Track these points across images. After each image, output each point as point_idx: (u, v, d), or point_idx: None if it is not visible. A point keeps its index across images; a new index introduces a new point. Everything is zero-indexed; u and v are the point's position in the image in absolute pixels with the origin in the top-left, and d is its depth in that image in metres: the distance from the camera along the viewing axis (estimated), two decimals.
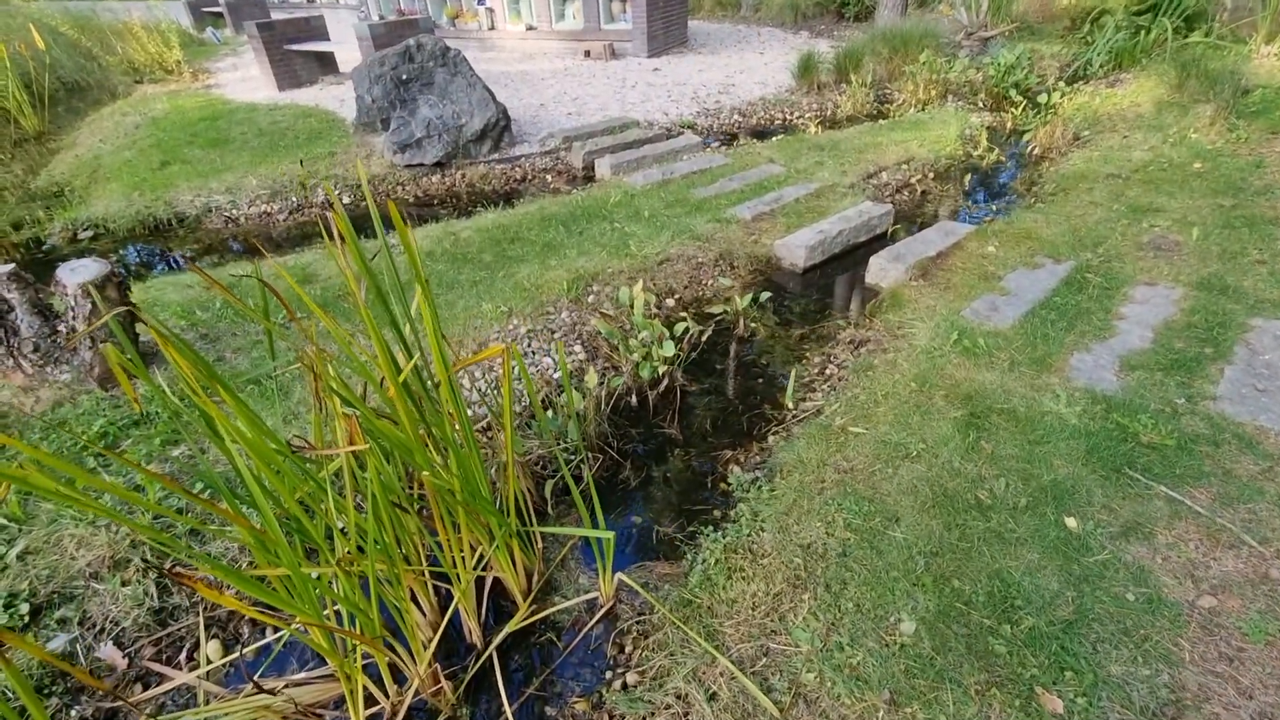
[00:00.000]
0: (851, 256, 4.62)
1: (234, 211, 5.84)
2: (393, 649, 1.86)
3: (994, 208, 5.19)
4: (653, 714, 1.81)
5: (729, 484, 2.66)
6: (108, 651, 2.03)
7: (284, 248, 5.18)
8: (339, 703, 1.95)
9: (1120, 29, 8.89)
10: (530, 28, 11.50)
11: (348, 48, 9.13)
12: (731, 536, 2.32)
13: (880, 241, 4.77)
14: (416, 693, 1.92)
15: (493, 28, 11.77)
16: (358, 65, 6.56)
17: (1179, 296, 3.46)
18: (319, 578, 1.77)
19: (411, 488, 2.18)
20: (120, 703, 1.93)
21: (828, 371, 3.32)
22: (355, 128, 6.81)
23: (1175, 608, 1.90)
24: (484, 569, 2.27)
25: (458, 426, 1.92)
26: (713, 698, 1.81)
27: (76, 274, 2.76)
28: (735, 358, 3.57)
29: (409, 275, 3.94)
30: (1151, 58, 8.50)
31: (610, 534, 2.03)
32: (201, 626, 2.12)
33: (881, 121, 7.34)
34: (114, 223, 5.64)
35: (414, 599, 2.07)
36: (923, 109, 7.83)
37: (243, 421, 1.51)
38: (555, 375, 3.30)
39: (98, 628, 2.08)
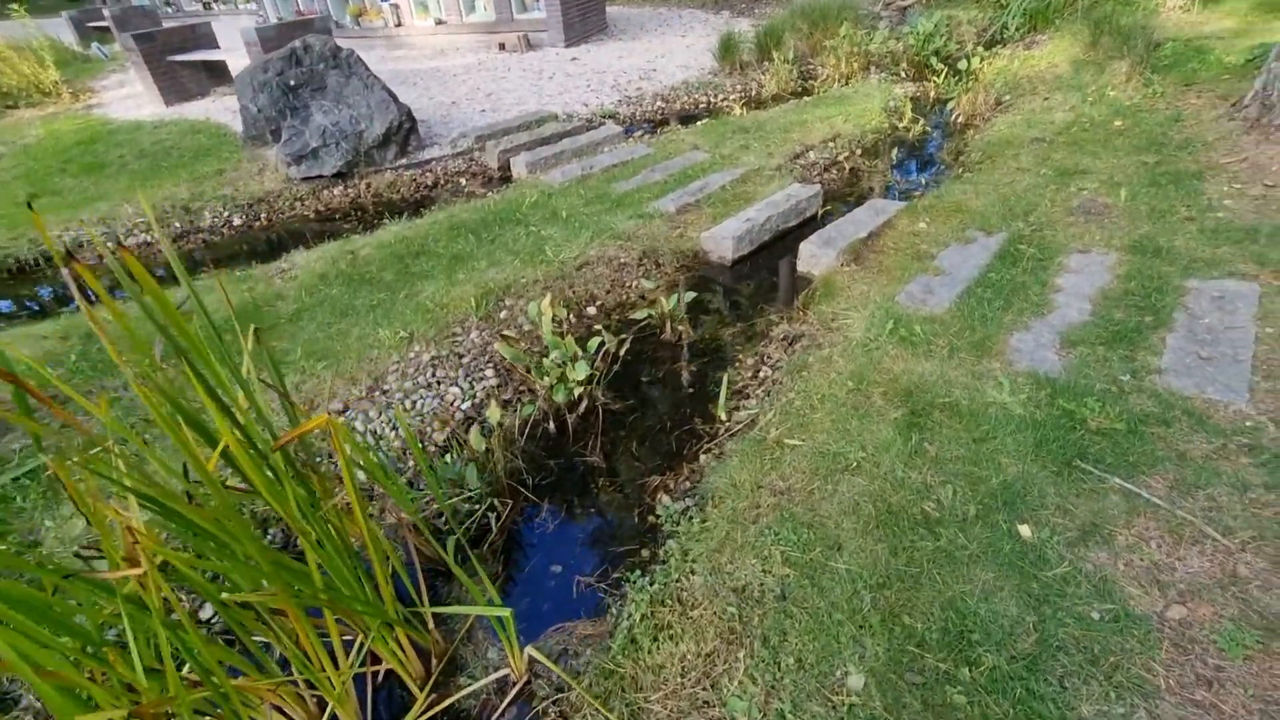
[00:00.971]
0: (782, 243, 4.39)
1: (109, 245, 5.24)
2: None
3: (923, 180, 5.04)
4: None
5: (658, 515, 2.38)
6: None
7: (165, 281, 4.64)
8: None
9: None
10: (440, 22, 10.92)
11: (240, 54, 8.43)
12: (659, 584, 2.04)
13: (811, 225, 4.56)
14: None
15: (400, 24, 11.13)
16: (240, 73, 5.98)
17: (1113, 262, 3.33)
18: None
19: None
20: None
21: (761, 374, 3.07)
22: (245, 141, 6.23)
23: (1144, 624, 1.71)
24: (372, 662, 1.93)
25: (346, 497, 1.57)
26: None
27: None
28: (663, 366, 3.28)
29: (297, 304, 3.54)
30: (1064, 17, 8.55)
31: (507, 611, 1.72)
32: None
33: (806, 99, 7.15)
34: None
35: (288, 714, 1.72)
36: (846, 83, 7.68)
37: None
38: (464, 406, 2.96)
39: None
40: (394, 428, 2.78)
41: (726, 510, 2.24)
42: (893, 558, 1.96)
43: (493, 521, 2.29)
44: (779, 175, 5.11)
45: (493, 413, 2.44)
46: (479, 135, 6.49)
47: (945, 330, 2.95)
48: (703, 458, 2.64)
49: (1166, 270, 3.19)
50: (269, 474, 1.50)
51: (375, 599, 1.73)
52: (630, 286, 3.91)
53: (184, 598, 2.16)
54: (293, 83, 5.80)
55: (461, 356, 3.22)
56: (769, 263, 4.16)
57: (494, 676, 1.92)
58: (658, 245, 4.20)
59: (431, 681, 1.92)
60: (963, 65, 6.88)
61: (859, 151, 5.76)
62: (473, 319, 3.45)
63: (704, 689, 1.71)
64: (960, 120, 6.30)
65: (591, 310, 3.72)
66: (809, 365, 2.92)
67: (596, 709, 1.72)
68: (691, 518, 2.29)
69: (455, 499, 2.25)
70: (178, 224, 5.43)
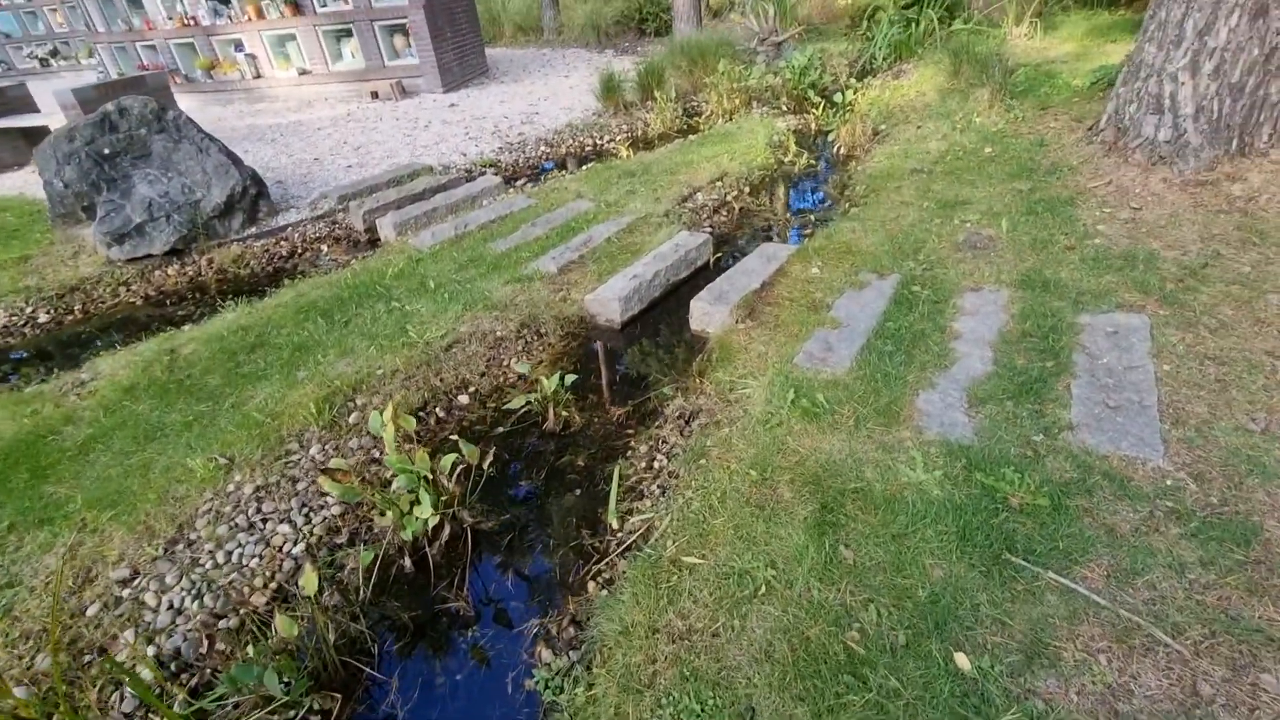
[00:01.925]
0: (675, 296, 4.09)
1: None
2: None
3: (812, 218, 4.92)
4: None
5: (535, 681, 1.92)
6: None
7: None
8: None
9: (894, 23, 9.36)
10: (304, 72, 10.20)
11: (61, 119, 7.41)
12: None
13: (703, 273, 4.29)
14: None
15: (259, 76, 10.32)
16: (40, 145, 5.14)
17: (1006, 300, 3.22)
18: None
19: None
20: None
21: (656, 464, 2.69)
22: (54, 221, 5.34)
23: None
24: None
25: None
26: None
27: None
28: (545, 463, 2.84)
29: (91, 428, 2.86)
30: (925, 47, 8.99)
31: None
32: None
33: (692, 137, 7.03)
34: None
35: None
36: (730, 119, 7.65)
37: None
38: (296, 550, 2.38)
39: None
40: (197, 596, 2.18)
41: (617, 669, 1.81)
42: None
43: None
44: (667, 222, 4.85)
45: (308, 581, 1.90)
46: (342, 195, 5.89)
47: (849, 396, 2.69)
48: (591, 585, 2.21)
49: (1058, 306, 3.09)
50: None
51: None
52: (508, 364, 3.46)
53: None
54: (107, 151, 5.02)
55: (296, 482, 2.65)
56: (661, 322, 3.83)
57: None
58: (539, 313, 3.78)
59: None
60: (839, 98, 6.98)
61: (747, 190, 5.62)
62: (313, 430, 2.89)
63: None
64: (842, 152, 6.33)
65: (464, 399, 3.24)
66: (708, 452, 2.57)
67: None
68: (576, 681, 1.84)
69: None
70: None
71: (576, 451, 2.88)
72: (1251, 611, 1.70)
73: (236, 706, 1.82)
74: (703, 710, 1.65)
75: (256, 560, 2.32)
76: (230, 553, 2.34)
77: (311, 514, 2.51)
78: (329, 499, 2.58)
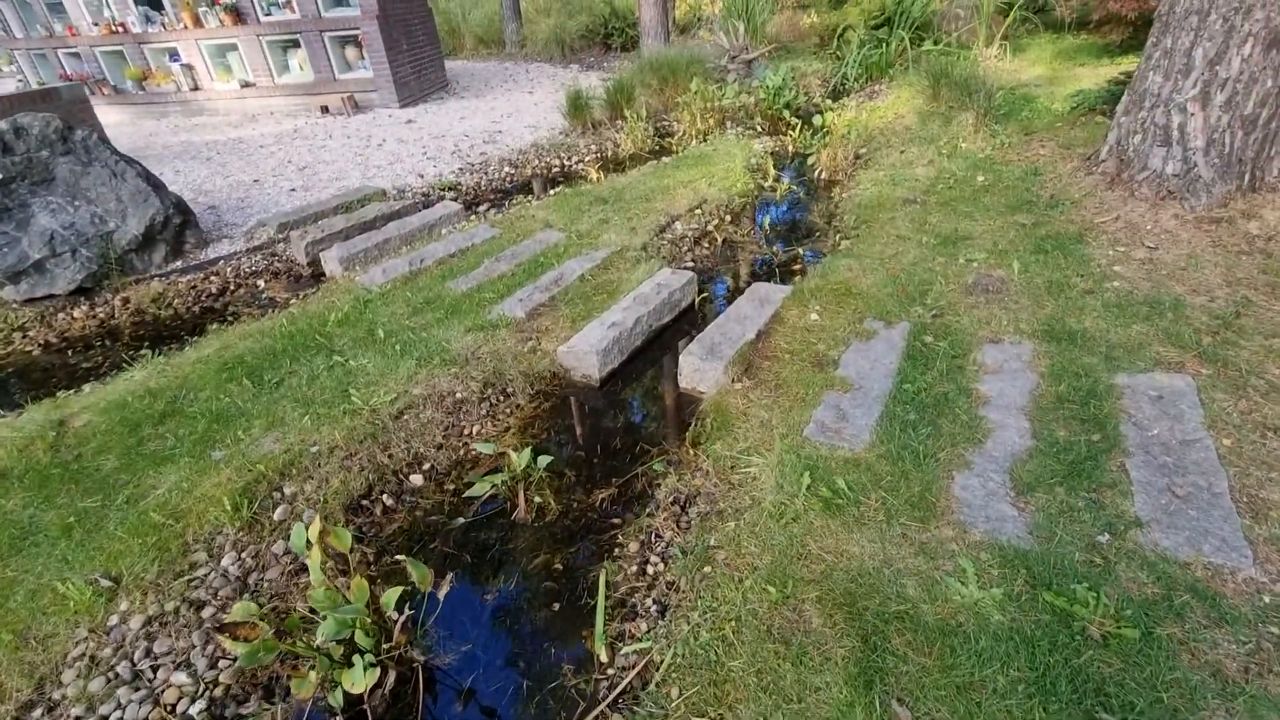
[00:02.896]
0: (659, 343, 3.68)
1: None
2: None
3: (801, 250, 4.57)
4: None
5: None
6: None
7: None
8: None
9: (864, 43, 9.22)
10: (247, 84, 9.51)
11: None
12: None
13: (688, 317, 3.89)
14: None
15: (196, 88, 9.58)
16: None
17: (1030, 355, 2.89)
18: None
19: None
20: None
21: (650, 568, 2.25)
22: None
23: None
24: None
25: None
26: None
27: None
28: (515, 568, 2.37)
29: None
30: (896, 68, 8.86)
31: None
32: None
33: (665, 159, 6.65)
34: None
35: None
36: (704, 139, 7.31)
37: None
38: (194, 712, 1.86)
39: None
40: None
41: None
42: None
43: None
44: (645, 256, 4.43)
45: None
46: (283, 222, 5.32)
47: (874, 480, 2.30)
48: None
49: (1089, 363, 2.77)
50: None
51: None
52: (471, 434, 2.98)
53: None
54: (1, 176, 4.36)
55: (201, 608, 2.12)
56: (645, 377, 3.40)
57: None
58: (505, 368, 3.31)
59: None
60: (816, 120, 6.71)
61: (728, 218, 5.26)
62: (228, 532, 2.36)
63: None
64: (824, 177, 6.04)
65: (417, 479, 2.74)
66: (712, 556, 2.14)
67: None
68: None
69: None
70: None
71: (554, 549, 2.41)
72: None
73: None
74: None
75: None
76: (105, 719, 1.80)
77: (218, 655, 1.98)
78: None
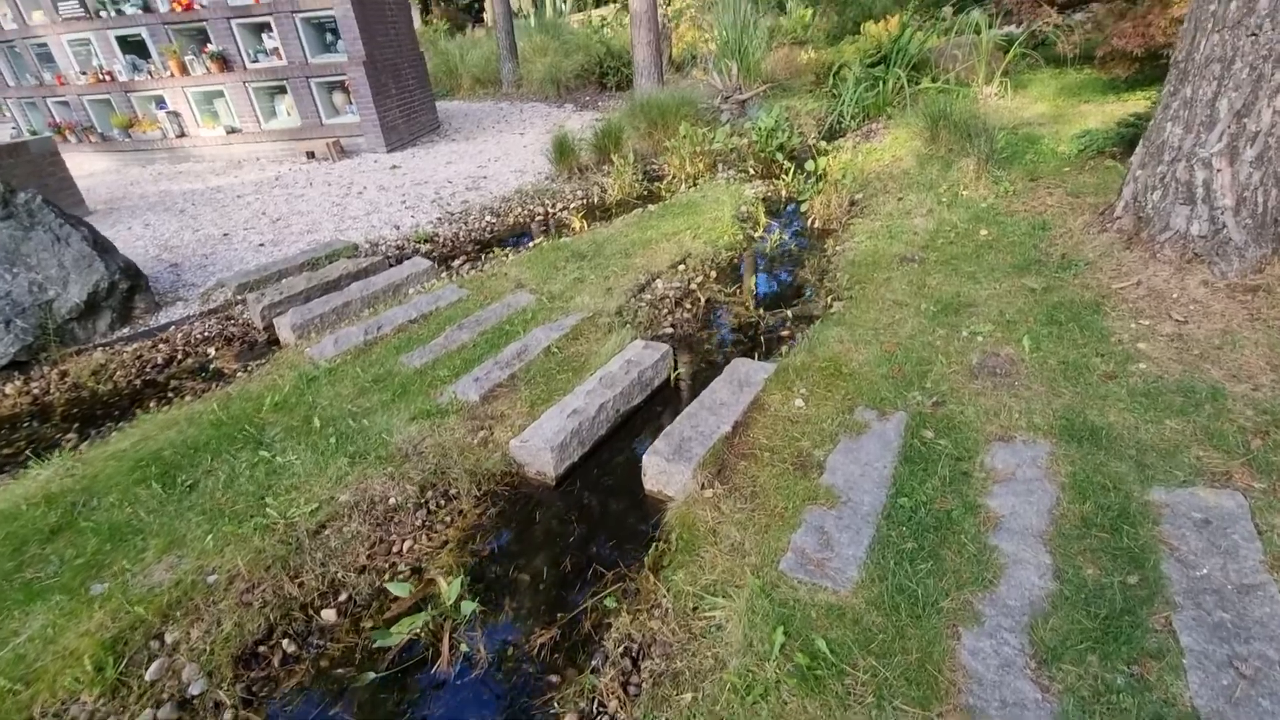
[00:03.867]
0: (627, 427, 3.30)
1: None
2: None
3: (789, 313, 4.20)
4: None
5: None
6: None
7: None
8: None
9: (860, 82, 8.99)
10: (233, 130, 9.38)
11: None
12: None
13: (661, 396, 3.51)
14: None
15: (183, 135, 9.46)
16: None
17: (1047, 458, 2.48)
18: None
19: None
20: None
21: None
22: None
23: None
24: None
25: None
26: None
27: None
28: None
29: None
30: (895, 107, 8.61)
31: None
32: None
33: (652, 207, 6.35)
34: None
35: None
36: (694, 184, 7.03)
37: None
38: None
39: None
40: None
41: None
42: None
43: None
44: (619, 323, 4.08)
45: None
46: (243, 283, 5.02)
47: (863, 639, 1.88)
48: None
49: (1118, 471, 2.36)
50: None
51: None
52: (399, 553, 2.59)
53: None
54: None
55: None
56: (607, 475, 3.01)
57: None
58: (450, 465, 2.94)
59: None
60: (810, 165, 6.40)
61: (713, 275, 4.92)
62: (85, 701, 1.96)
63: None
64: (817, 225, 5.71)
65: (330, 615, 2.35)
66: None
67: None
68: None
69: None
70: None
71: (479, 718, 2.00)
72: None
73: None
74: None
75: None
76: None
77: None
78: None
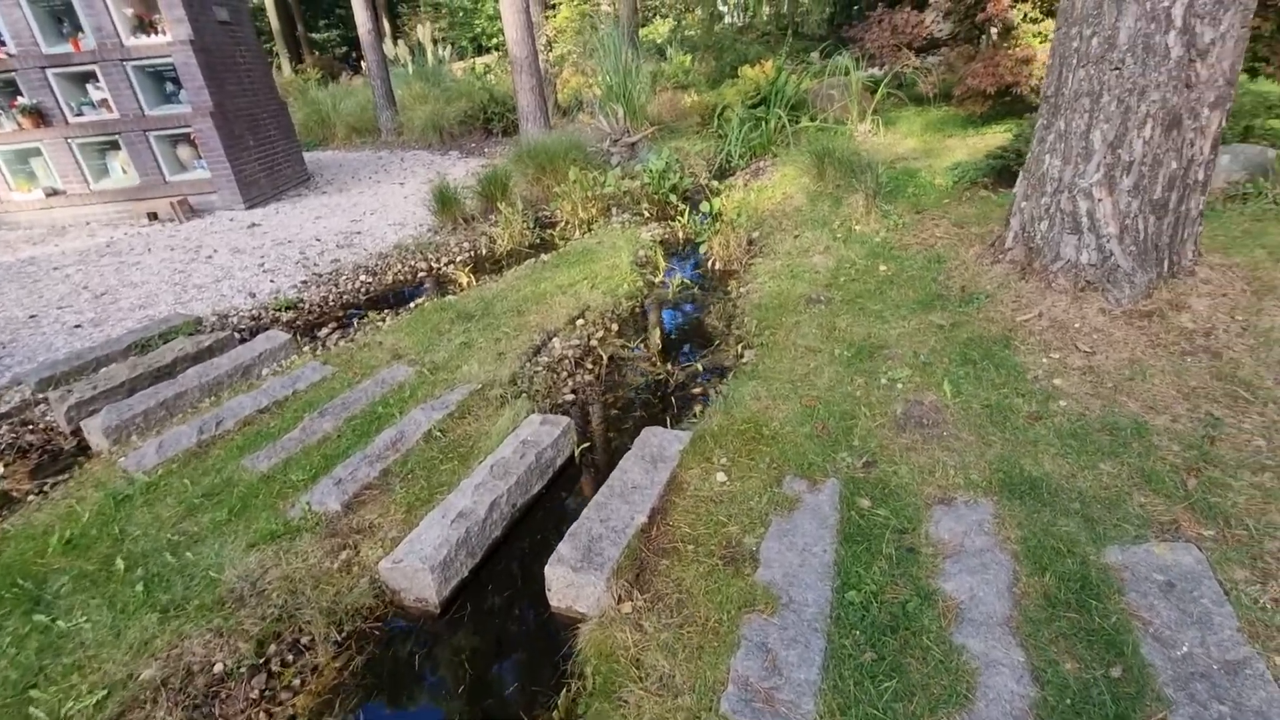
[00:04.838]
0: (527, 523, 2.81)
1: None
2: None
3: (699, 367, 3.90)
4: None
5: None
6: None
7: None
8: None
9: (745, 122, 9.16)
10: (54, 192, 8.12)
11: None
12: None
13: (566, 478, 3.06)
14: None
15: None
16: None
17: (993, 522, 2.25)
18: None
19: None
20: None
21: None
22: None
23: None
24: None
25: None
26: None
27: None
28: None
29: None
30: (777, 144, 8.80)
31: None
32: None
33: (545, 256, 5.96)
34: None
35: None
36: (589, 229, 6.72)
37: None
38: None
39: None
40: None
41: None
42: None
43: None
44: (513, 394, 3.60)
45: None
46: (45, 377, 4.09)
47: None
48: None
49: (1068, 531, 2.16)
50: None
51: None
52: None
53: None
54: None
55: None
56: (503, 592, 2.49)
57: None
58: (300, 605, 2.31)
59: None
60: (705, 206, 6.27)
61: (615, 328, 4.56)
62: None
63: None
64: (718, 267, 5.53)
65: None
66: None
67: None
68: None
69: None
70: None
71: None
72: None
73: None
74: None
75: None
76: None
77: None
78: None
